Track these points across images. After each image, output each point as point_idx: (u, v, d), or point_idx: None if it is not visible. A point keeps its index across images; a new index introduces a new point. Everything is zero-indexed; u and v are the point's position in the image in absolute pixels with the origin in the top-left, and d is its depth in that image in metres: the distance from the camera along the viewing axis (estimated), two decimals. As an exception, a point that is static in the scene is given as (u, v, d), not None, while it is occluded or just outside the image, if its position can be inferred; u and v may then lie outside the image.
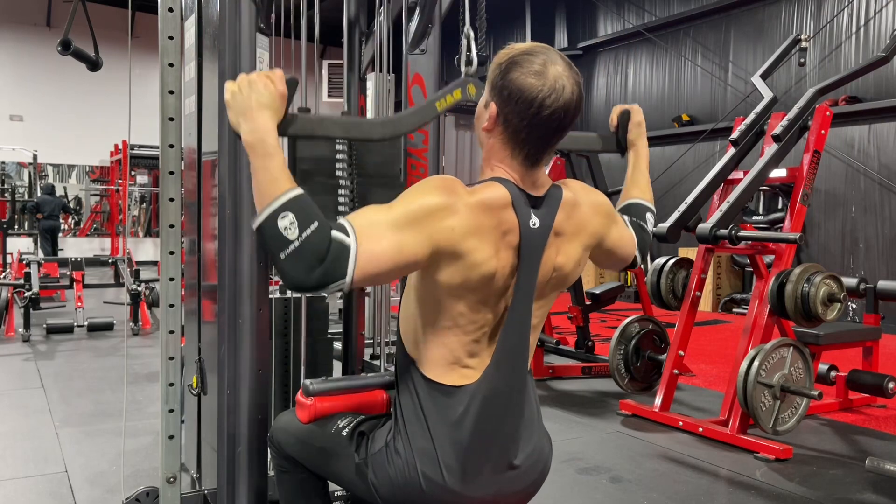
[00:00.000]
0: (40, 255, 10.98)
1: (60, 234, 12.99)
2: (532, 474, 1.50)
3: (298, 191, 1.29)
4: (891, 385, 4.02)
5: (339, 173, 2.12)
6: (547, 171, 5.36)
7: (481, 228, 1.34)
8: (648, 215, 1.75)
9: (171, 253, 2.04)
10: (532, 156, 1.40)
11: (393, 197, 1.38)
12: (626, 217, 1.70)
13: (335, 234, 1.26)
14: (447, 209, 1.31)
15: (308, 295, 1.28)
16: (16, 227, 13.18)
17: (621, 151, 1.87)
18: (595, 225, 1.52)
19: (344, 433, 1.54)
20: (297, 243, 1.25)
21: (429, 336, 1.42)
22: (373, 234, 1.28)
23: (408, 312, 1.47)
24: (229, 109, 1.35)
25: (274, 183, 1.29)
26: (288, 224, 1.25)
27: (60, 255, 11.48)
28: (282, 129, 1.38)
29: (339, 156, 2.12)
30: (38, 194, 12.50)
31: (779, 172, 4.28)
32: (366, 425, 1.54)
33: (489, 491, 1.44)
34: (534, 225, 1.39)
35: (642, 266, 1.77)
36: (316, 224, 1.26)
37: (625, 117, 1.85)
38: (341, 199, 2.13)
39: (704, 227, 3.99)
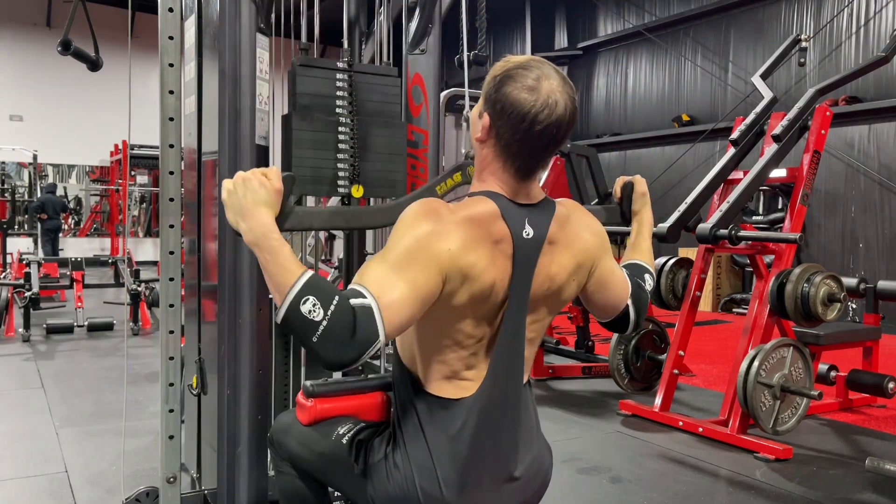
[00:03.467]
0: (40, 254, 10.98)
1: (60, 234, 13.00)
2: (533, 485, 1.50)
3: (310, 273, 1.28)
4: (891, 385, 4.02)
5: (338, 111, 2.11)
6: (547, 171, 5.38)
7: (474, 240, 1.33)
8: (647, 276, 1.72)
9: (171, 253, 2.04)
10: (524, 169, 1.39)
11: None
12: (624, 269, 1.66)
13: (354, 301, 1.25)
14: (438, 234, 1.31)
15: (357, 364, 1.29)
16: (16, 227, 13.17)
17: (626, 222, 1.85)
18: (587, 242, 1.50)
19: (343, 441, 1.54)
20: (325, 323, 1.23)
21: (428, 355, 1.42)
22: (386, 286, 1.27)
23: (405, 332, 1.44)
24: (226, 208, 1.33)
25: (286, 273, 1.27)
26: (311, 307, 1.23)
27: (60, 255, 11.48)
28: (280, 224, 1.36)
29: (338, 93, 2.11)
30: (38, 194, 12.48)
31: (779, 172, 4.28)
32: (365, 433, 1.53)
33: None
34: (527, 235, 1.38)
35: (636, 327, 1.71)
36: (337, 299, 1.24)
37: (628, 189, 1.83)
38: (341, 137, 2.11)
39: (704, 227, 3.99)
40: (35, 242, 12.12)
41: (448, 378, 1.41)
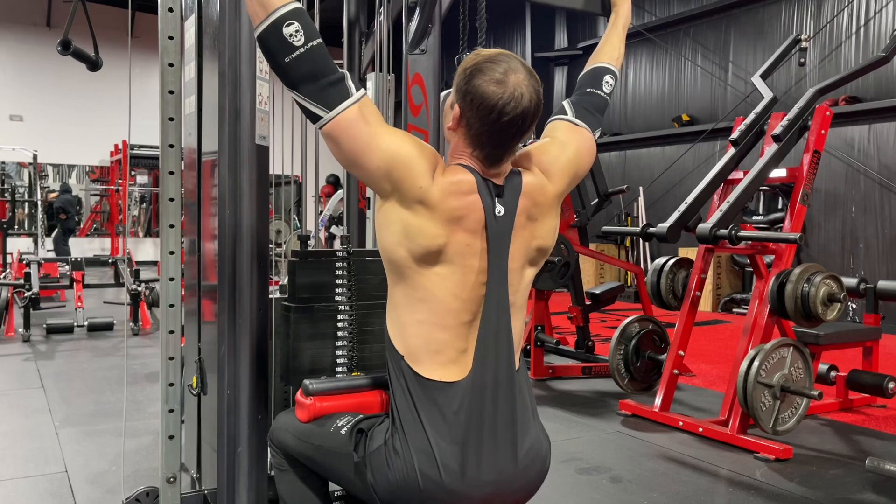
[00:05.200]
0: (41, 255, 10.98)
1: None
2: (531, 471, 1.50)
3: (299, 4, 1.40)
4: (891, 385, 4.02)
5: (337, 297, 2.13)
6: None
7: (439, 208, 1.40)
8: (607, 77, 1.77)
9: (171, 253, 2.04)
10: (492, 156, 1.47)
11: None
12: (572, 116, 1.67)
13: (348, 78, 1.41)
14: (424, 174, 1.40)
15: (297, 99, 1.41)
16: (16, 226, 13.19)
17: (605, 13, 1.93)
18: (565, 185, 1.58)
19: (343, 432, 1.55)
20: (302, 50, 1.37)
21: (406, 315, 1.45)
22: (368, 116, 1.41)
23: (390, 296, 1.52)
24: None
25: None
26: (294, 31, 1.37)
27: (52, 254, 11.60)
28: None
29: (338, 280, 2.13)
30: (39, 194, 12.48)
31: (779, 172, 4.28)
32: (364, 423, 1.54)
33: (488, 489, 1.44)
34: (499, 213, 1.45)
35: (596, 135, 1.71)
36: (320, 41, 1.39)
37: None
38: (340, 325, 2.13)
39: (704, 227, 3.99)
40: (35, 243, 12.14)
41: (436, 354, 1.43)
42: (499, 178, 1.48)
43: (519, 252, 1.49)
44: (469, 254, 1.43)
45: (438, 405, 1.42)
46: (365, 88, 2.87)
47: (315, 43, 1.38)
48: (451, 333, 1.44)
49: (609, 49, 1.82)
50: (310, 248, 2.21)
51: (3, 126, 14.30)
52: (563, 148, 1.60)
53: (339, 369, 2.12)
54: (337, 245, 8.25)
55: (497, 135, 1.43)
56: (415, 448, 1.41)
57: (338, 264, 2.14)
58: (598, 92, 1.74)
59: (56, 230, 12.81)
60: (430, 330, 1.43)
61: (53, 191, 13.96)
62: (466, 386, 1.43)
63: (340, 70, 1.41)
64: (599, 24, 12.34)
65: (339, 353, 2.12)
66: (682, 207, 4.19)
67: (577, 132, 1.65)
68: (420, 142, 1.46)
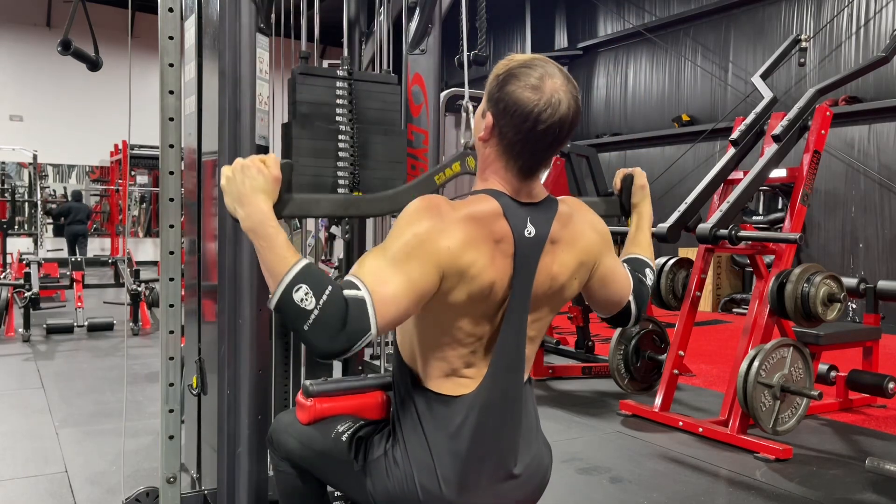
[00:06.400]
0: (41, 255, 10.99)
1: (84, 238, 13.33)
2: (532, 484, 1.50)
3: (305, 261, 1.28)
4: (891, 385, 4.02)
5: (338, 118, 2.12)
6: (547, 172, 5.40)
7: (474, 239, 1.33)
8: (647, 271, 1.71)
9: (171, 253, 2.04)
10: (526, 168, 1.39)
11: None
12: (625, 264, 1.67)
13: (347, 292, 1.25)
14: (439, 231, 1.30)
15: (340, 359, 1.27)
16: (16, 227, 13.20)
17: (625, 214, 1.86)
18: (590, 240, 1.49)
19: (343, 438, 1.54)
20: (316, 312, 1.23)
21: (427, 352, 1.42)
22: (381, 279, 1.27)
23: (405, 328, 1.46)
24: (225, 194, 1.34)
25: (281, 260, 1.28)
26: (304, 295, 1.24)
27: (59, 255, 11.58)
28: (278, 211, 1.37)
29: (338, 101, 2.12)
30: (39, 194, 12.50)
31: (779, 172, 4.28)
32: (365, 431, 1.53)
33: (488, 501, 1.43)
34: (529, 234, 1.38)
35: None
36: (330, 289, 1.25)
37: (628, 181, 1.83)
38: (341, 145, 2.11)
39: (704, 227, 3.99)
40: (35, 243, 12.16)
41: (448, 375, 1.41)
42: (532, 197, 1.41)
43: (543, 276, 1.43)
44: (504, 282, 1.38)
45: (442, 418, 1.40)
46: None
47: (326, 297, 1.24)
48: (465, 357, 1.42)
49: (640, 250, 1.76)
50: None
51: (3, 126, 14.30)
52: (604, 227, 1.54)
53: (340, 190, 2.11)
54: (337, 245, 8.24)
55: (532, 144, 1.35)
56: (415, 460, 1.40)
57: (338, 84, 2.12)
58: (646, 281, 1.69)
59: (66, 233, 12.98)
60: (447, 361, 1.41)
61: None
62: (473, 401, 1.41)
63: (343, 296, 1.25)
64: (599, 24, 12.35)
65: (339, 173, 2.11)
66: (682, 207, 4.19)
67: (622, 266, 1.62)
68: (407, 215, 1.34)
